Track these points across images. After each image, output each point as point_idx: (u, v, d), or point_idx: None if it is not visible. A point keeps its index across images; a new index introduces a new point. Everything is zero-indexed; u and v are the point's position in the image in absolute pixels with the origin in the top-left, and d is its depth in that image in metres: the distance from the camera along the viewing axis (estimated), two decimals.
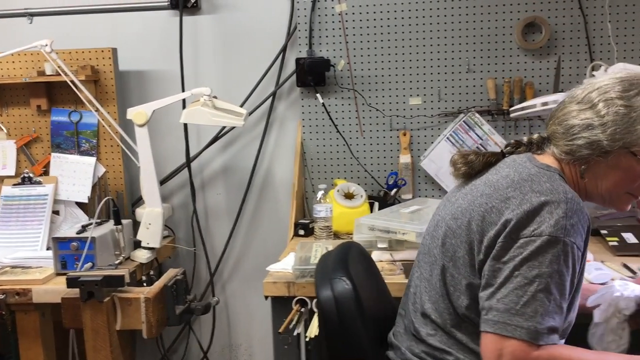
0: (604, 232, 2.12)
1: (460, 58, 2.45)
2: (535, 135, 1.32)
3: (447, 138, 2.48)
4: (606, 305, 1.35)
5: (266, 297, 1.87)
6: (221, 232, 2.73)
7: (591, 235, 2.14)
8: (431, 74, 2.48)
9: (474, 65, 2.45)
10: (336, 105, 2.54)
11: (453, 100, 2.48)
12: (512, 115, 2.15)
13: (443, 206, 1.38)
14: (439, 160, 2.47)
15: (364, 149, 2.55)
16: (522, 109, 2.07)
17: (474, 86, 2.46)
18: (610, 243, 2.03)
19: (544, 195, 1.12)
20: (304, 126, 2.57)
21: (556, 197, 1.12)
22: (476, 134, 2.46)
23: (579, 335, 1.33)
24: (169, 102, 2.22)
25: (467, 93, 2.47)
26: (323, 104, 2.51)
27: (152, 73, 2.66)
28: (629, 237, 2.05)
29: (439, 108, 2.48)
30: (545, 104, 2.00)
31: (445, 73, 2.47)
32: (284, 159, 2.65)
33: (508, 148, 1.35)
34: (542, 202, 1.11)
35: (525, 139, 1.34)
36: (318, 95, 2.49)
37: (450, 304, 1.24)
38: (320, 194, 2.27)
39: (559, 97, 1.99)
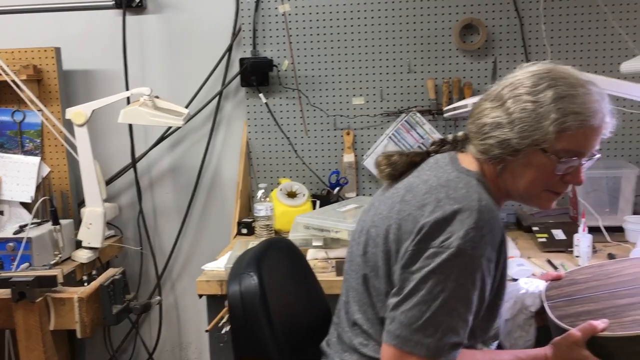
0: (535, 228, 2.18)
1: (401, 59, 2.49)
2: (460, 133, 1.28)
3: (390, 137, 2.52)
4: (512, 303, 1.38)
5: (200, 296, 1.90)
6: (170, 231, 2.74)
7: (524, 232, 2.26)
8: (373, 74, 2.52)
9: (415, 65, 2.49)
10: (281, 105, 2.57)
11: (395, 100, 2.52)
12: (445, 115, 2.19)
13: (367, 211, 1.34)
14: None
15: (308, 148, 2.58)
16: (455, 109, 2.11)
17: (415, 86, 2.50)
18: (540, 239, 2.09)
19: (457, 203, 1.09)
20: (249, 126, 2.60)
21: (469, 205, 1.08)
22: (418, 133, 2.51)
23: None
24: (109, 101, 2.23)
25: (408, 93, 2.51)
26: (266, 104, 2.53)
27: (97, 73, 2.66)
28: (558, 234, 2.11)
29: (381, 108, 2.52)
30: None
31: (387, 73, 2.51)
32: (232, 158, 2.67)
33: (433, 147, 1.31)
34: (454, 210, 1.08)
35: (450, 136, 1.30)
36: (261, 95, 2.51)
37: (376, 314, 1.21)
38: (260, 193, 2.29)
39: None
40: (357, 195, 2.56)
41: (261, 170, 2.61)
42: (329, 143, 2.57)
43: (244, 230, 2.37)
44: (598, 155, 1.20)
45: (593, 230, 2.15)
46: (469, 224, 1.07)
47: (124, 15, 2.56)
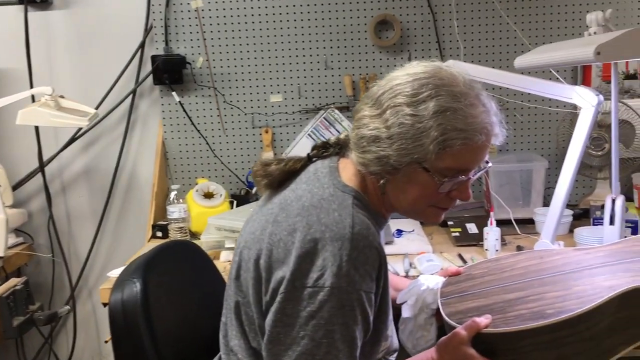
0: (450, 223, 2.19)
1: (318, 55, 2.47)
2: (343, 135, 1.17)
3: (309, 134, 2.49)
4: (414, 300, 1.37)
5: (104, 305, 1.81)
6: (85, 236, 2.63)
7: (440, 227, 2.28)
8: (290, 71, 2.48)
9: (332, 62, 2.47)
10: (197, 103, 2.50)
11: (313, 97, 2.49)
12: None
13: (245, 225, 1.21)
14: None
15: (226, 147, 2.52)
16: None
17: (333, 83, 2.48)
18: (453, 234, 2.11)
19: (328, 231, 1.00)
20: (164, 125, 2.51)
21: (341, 233, 1.00)
22: (336, 129, 2.49)
23: None
24: (8, 102, 2.10)
25: (326, 90, 2.49)
26: (180, 103, 2.46)
27: (1, 71, 2.52)
28: (471, 228, 2.14)
29: (299, 105, 2.49)
30: None
31: (305, 70, 2.47)
32: (149, 159, 2.58)
33: (314, 151, 1.19)
34: (324, 239, 1.00)
35: (332, 139, 1.19)
36: (174, 93, 2.44)
37: (249, 344, 1.12)
38: (173, 194, 2.22)
39: None
40: None
41: (178, 171, 2.54)
42: (247, 142, 2.51)
43: (159, 234, 2.29)
44: (489, 165, 1.13)
45: (506, 223, 2.19)
46: (343, 257, 0.99)
47: (26, 10, 2.42)
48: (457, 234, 2.11)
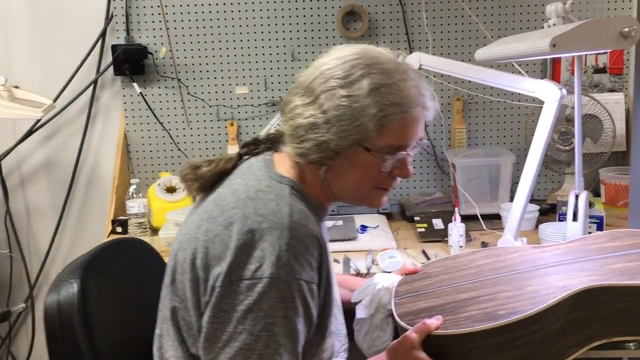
0: (417, 218, 2.16)
1: (285, 46, 2.41)
2: (273, 130, 1.17)
3: (276, 127, 2.43)
4: (368, 300, 1.33)
5: None
6: (45, 231, 2.55)
7: (407, 222, 2.25)
8: (256, 62, 2.42)
9: (299, 53, 2.42)
10: (159, 95, 2.42)
11: (280, 89, 2.44)
12: None
13: (180, 229, 1.16)
14: None
15: (190, 140, 2.46)
16: None
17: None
18: (419, 229, 2.07)
19: (265, 220, 0.98)
20: (126, 117, 2.44)
21: (278, 222, 0.98)
22: None
23: None
24: None
25: (293, 82, 2.36)
26: (142, 94, 2.38)
27: None
28: (438, 223, 2.10)
29: (265, 97, 2.43)
30: None
31: (271, 62, 2.42)
32: (111, 152, 2.50)
33: (245, 149, 1.16)
34: (262, 229, 0.97)
35: (263, 134, 1.17)
36: (135, 84, 2.36)
37: (188, 351, 1.06)
38: (132, 189, 2.16)
39: None
40: None
41: (141, 165, 2.47)
42: (212, 134, 2.45)
43: (119, 229, 2.22)
44: (425, 141, 1.12)
45: (474, 218, 2.17)
46: (281, 246, 0.96)
47: None
48: (423, 229, 2.08)
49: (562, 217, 2.01)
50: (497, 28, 2.39)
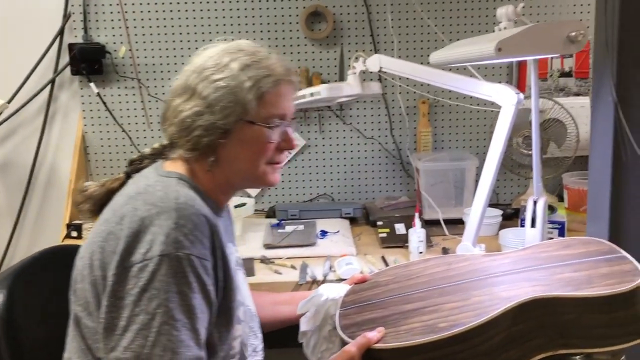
0: (379, 223, 2.12)
1: None
2: (156, 145, 1.20)
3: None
4: (313, 312, 1.29)
5: None
6: (1, 234, 2.47)
7: (370, 227, 2.21)
8: None
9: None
10: (119, 95, 2.36)
11: None
12: None
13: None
14: None
15: (152, 143, 2.36)
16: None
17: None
18: (380, 235, 2.04)
19: (154, 207, 1.00)
20: (84, 118, 2.38)
21: (166, 206, 1.00)
22: None
23: None
24: None
25: None
26: (99, 94, 2.32)
27: None
28: (400, 228, 2.07)
29: None
30: (313, 94, 1.95)
31: None
32: (70, 153, 2.43)
33: (131, 166, 1.20)
34: (150, 215, 0.99)
35: (148, 150, 1.20)
36: (92, 84, 2.30)
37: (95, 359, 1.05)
38: None
39: (323, 87, 1.95)
40: None
41: (100, 167, 2.40)
42: None
43: (74, 233, 2.15)
44: (295, 119, 1.21)
45: (437, 223, 2.14)
46: (169, 225, 0.98)
47: None
48: (385, 235, 2.04)
49: (524, 223, 1.98)
50: (464, 31, 2.37)
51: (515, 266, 1.17)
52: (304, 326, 1.27)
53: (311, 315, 1.27)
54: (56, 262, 1.29)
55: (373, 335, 1.04)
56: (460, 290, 1.12)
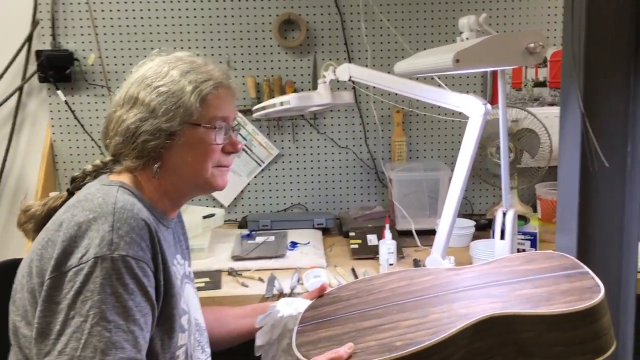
0: (351, 234, 2.09)
1: (220, 55, 2.33)
2: (97, 161, 1.18)
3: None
4: (269, 327, 1.26)
5: None
6: None
7: (342, 237, 2.18)
8: None
9: (235, 62, 2.34)
10: (88, 103, 2.32)
11: None
12: (254, 115, 2.05)
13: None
14: None
15: None
16: (263, 108, 1.98)
17: (236, 84, 2.33)
18: (352, 246, 2.01)
19: (92, 213, 1.00)
20: (53, 126, 2.33)
21: (104, 211, 1.00)
22: (240, 134, 2.36)
23: None
24: None
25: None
26: (66, 102, 2.28)
27: None
28: (372, 239, 2.04)
29: None
30: (282, 103, 1.92)
31: None
32: (39, 162, 2.38)
33: (74, 183, 1.18)
34: (88, 220, 0.99)
35: (89, 166, 1.18)
36: (59, 92, 2.25)
37: None
38: None
39: (292, 97, 1.92)
40: None
41: (69, 177, 2.35)
42: None
43: None
44: (237, 123, 1.26)
45: (409, 234, 2.12)
46: (105, 229, 0.98)
47: None
48: (356, 246, 2.01)
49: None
50: (437, 40, 2.35)
51: (477, 281, 1.14)
52: (259, 340, 1.26)
53: (267, 330, 1.25)
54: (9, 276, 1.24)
55: (343, 351, 1.01)
56: (419, 307, 1.09)
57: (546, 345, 0.98)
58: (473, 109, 1.51)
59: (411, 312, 1.08)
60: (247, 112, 2.34)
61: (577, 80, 1.43)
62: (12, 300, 1.06)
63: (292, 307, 1.25)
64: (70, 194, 1.15)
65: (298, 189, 2.44)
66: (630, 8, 1.43)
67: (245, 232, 2.17)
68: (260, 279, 1.77)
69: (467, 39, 1.29)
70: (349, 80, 1.83)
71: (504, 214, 1.63)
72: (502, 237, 1.63)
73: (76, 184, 1.17)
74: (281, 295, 1.67)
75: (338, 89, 2.11)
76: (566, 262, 1.11)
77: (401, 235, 2.12)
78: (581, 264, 1.10)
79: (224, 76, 1.18)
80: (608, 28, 1.43)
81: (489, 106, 1.52)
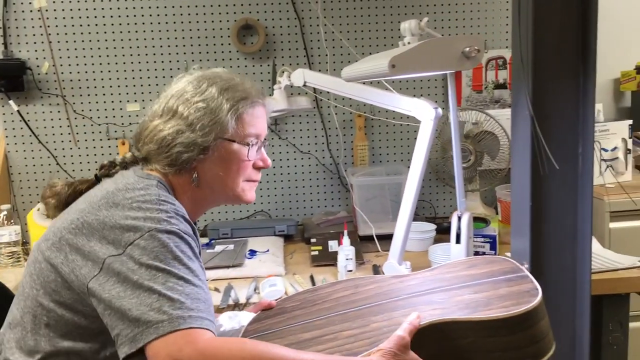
0: (313, 240, 2.07)
1: (178, 61, 2.30)
2: (129, 155, 1.20)
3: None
4: None
5: None
6: None
7: (304, 244, 2.16)
8: (149, 77, 2.30)
9: (194, 68, 2.28)
10: (42, 112, 2.27)
11: None
12: None
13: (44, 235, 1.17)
14: None
15: (79, 161, 2.31)
16: None
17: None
18: (312, 253, 1.98)
19: (135, 202, 1.05)
20: (7, 137, 2.27)
21: (148, 200, 1.05)
22: None
23: None
24: None
25: None
26: (19, 112, 2.22)
27: None
28: (333, 245, 2.01)
29: None
30: None
31: (164, 77, 2.30)
32: None
33: (102, 170, 1.21)
34: (134, 207, 1.03)
35: (118, 158, 1.21)
36: (11, 102, 2.20)
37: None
38: (2, 215, 1.99)
39: None
40: None
41: (24, 187, 2.30)
42: (102, 154, 2.31)
43: None
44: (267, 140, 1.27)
45: (371, 239, 2.10)
46: (153, 214, 1.02)
47: None
48: (317, 252, 1.98)
49: None
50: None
51: (420, 288, 1.13)
52: None
53: None
54: None
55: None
56: (360, 316, 1.07)
57: (484, 351, 0.97)
58: (424, 113, 1.50)
59: (352, 322, 1.06)
60: None
61: (526, 82, 1.42)
62: (39, 283, 1.06)
63: (235, 321, 1.22)
64: (97, 179, 1.18)
65: (261, 196, 2.41)
66: (577, 12, 1.44)
67: (205, 240, 2.13)
68: (217, 289, 1.74)
69: (408, 43, 1.28)
70: (304, 85, 1.81)
71: (459, 218, 1.62)
72: (458, 241, 1.62)
73: (104, 171, 1.20)
74: (236, 305, 1.64)
75: (299, 94, 2.09)
76: (507, 266, 1.10)
77: (363, 241, 2.10)
78: (521, 267, 1.09)
79: (260, 94, 1.22)
80: (554, 31, 1.43)
81: (439, 110, 1.51)
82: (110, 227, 1.01)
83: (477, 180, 2.25)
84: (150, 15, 2.26)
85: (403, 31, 1.29)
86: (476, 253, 1.96)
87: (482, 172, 2.23)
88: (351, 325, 1.05)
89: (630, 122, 2.17)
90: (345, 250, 1.78)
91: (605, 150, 2.13)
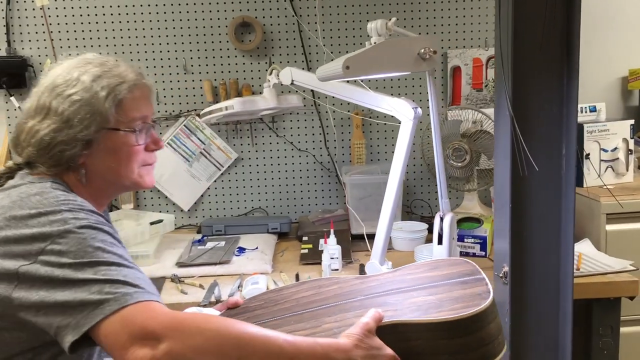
0: (304, 238, 2.07)
1: (176, 58, 2.32)
2: (10, 162, 1.14)
3: (168, 143, 2.34)
4: None
5: None
6: None
7: (298, 241, 2.15)
8: (147, 75, 2.23)
9: (191, 66, 2.33)
10: None
11: (172, 103, 2.34)
12: (202, 119, 2.04)
13: None
14: (159, 167, 2.29)
15: None
16: (211, 112, 1.96)
17: (193, 88, 2.34)
18: (302, 251, 1.98)
19: (34, 209, 0.98)
20: (10, 133, 2.33)
21: (47, 204, 0.98)
22: (198, 138, 2.35)
23: None
24: None
25: (186, 95, 2.34)
26: (20, 108, 2.27)
27: None
28: (323, 244, 2.01)
29: (157, 111, 2.34)
30: (227, 108, 1.90)
31: (162, 74, 2.32)
32: None
33: None
34: (33, 215, 0.97)
35: (1, 168, 1.14)
36: (13, 99, 2.25)
37: None
38: None
39: (236, 101, 1.91)
40: (135, 207, 2.36)
41: None
42: None
43: None
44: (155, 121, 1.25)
45: (362, 238, 2.08)
46: (57, 217, 0.96)
47: None
48: (306, 250, 1.98)
49: None
50: None
51: (378, 289, 1.11)
52: None
53: None
54: None
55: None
56: (315, 317, 1.07)
57: (433, 354, 0.95)
58: (404, 113, 1.48)
59: (306, 322, 1.06)
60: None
61: (506, 81, 1.39)
62: None
63: None
64: None
65: (259, 193, 2.42)
66: (560, 10, 1.40)
67: (198, 237, 2.15)
68: (201, 286, 1.75)
69: (374, 43, 1.26)
70: (291, 83, 1.81)
71: (442, 219, 1.60)
72: (440, 242, 1.60)
73: None
74: (218, 302, 1.65)
75: (290, 92, 2.09)
76: (466, 269, 1.08)
77: (355, 239, 2.09)
78: (479, 269, 1.07)
79: (138, 75, 1.15)
80: (536, 30, 1.40)
81: (419, 110, 1.49)
82: (14, 241, 0.94)
83: (474, 179, 2.22)
84: (150, 13, 2.29)
85: (369, 31, 1.28)
86: (466, 254, 1.94)
87: (480, 171, 2.20)
88: (305, 325, 1.05)
89: (632, 122, 2.10)
90: (329, 249, 1.78)
91: (605, 151, 2.07)
